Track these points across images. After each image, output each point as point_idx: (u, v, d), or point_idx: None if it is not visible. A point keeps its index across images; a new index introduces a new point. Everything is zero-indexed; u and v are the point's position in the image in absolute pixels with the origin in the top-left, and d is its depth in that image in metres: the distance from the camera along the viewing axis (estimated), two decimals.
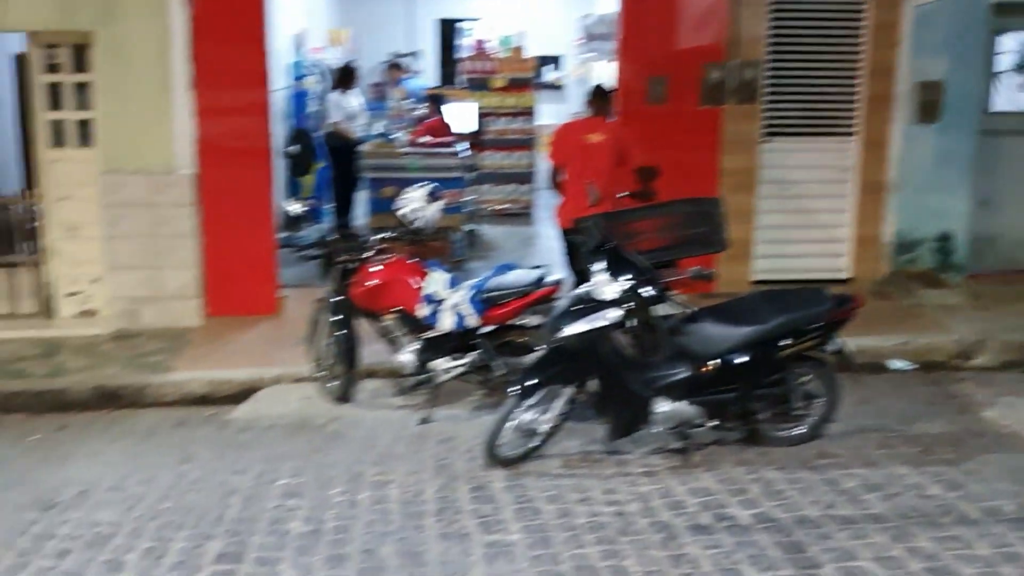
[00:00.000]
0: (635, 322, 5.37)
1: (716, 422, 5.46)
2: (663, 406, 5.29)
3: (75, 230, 7.86)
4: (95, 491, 5.14)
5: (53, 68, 7.69)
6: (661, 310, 5.60)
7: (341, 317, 6.46)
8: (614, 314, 5.17)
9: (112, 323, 7.85)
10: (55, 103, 7.73)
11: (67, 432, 6.11)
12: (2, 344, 7.50)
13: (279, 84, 10.51)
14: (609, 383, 5.32)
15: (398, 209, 6.53)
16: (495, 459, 5.35)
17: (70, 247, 7.90)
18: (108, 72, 7.53)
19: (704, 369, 5.31)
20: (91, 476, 5.35)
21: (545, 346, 5.51)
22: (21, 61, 9.48)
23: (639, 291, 5.18)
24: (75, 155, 7.78)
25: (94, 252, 7.87)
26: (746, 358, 5.34)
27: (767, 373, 5.47)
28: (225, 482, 5.24)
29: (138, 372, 6.88)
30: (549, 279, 6.05)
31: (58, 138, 7.76)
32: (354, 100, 11.31)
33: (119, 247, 7.75)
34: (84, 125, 7.76)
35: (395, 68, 14.67)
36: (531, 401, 5.31)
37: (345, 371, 6.47)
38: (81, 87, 7.70)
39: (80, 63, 7.66)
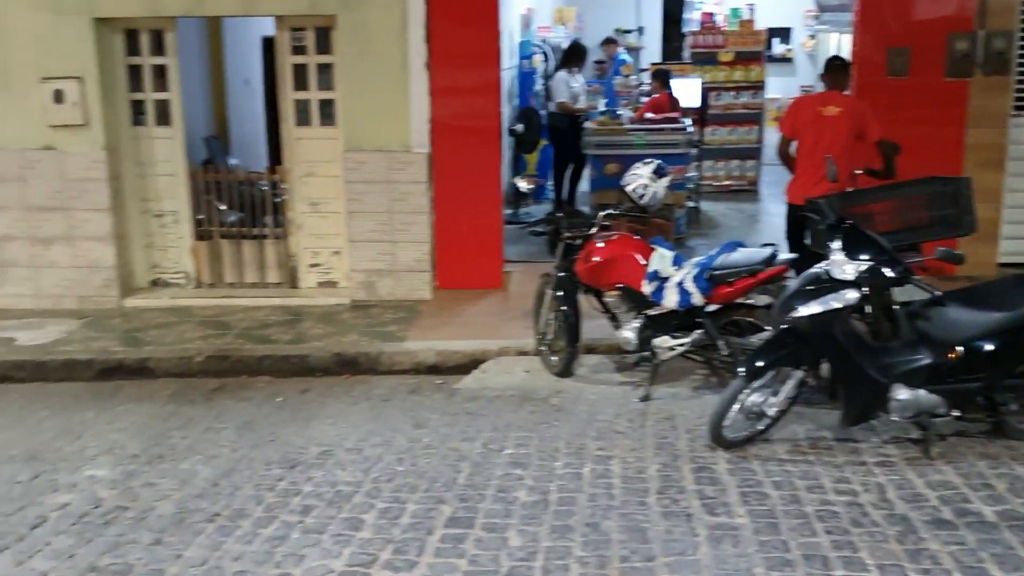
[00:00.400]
0: (872, 305, 5.15)
1: (958, 412, 5.16)
2: (901, 393, 5.03)
3: (317, 205, 8.32)
4: (336, 452, 5.44)
5: (299, 50, 8.13)
6: (902, 294, 5.33)
7: (565, 292, 6.53)
8: (851, 295, 4.98)
9: (350, 293, 8.28)
10: (300, 84, 8.18)
11: (309, 395, 6.48)
12: (251, 311, 8.06)
13: (508, 63, 10.71)
14: (843, 367, 5.12)
15: (625, 185, 6.52)
16: (719, 440, 5.27)
17: (313, 221, 8.37)
18: (349, 54, 7.89)
19: (948, 356, 5.02)
20: (332, 437, 5.66)
21: (775, 327, 5.37)
22: (268, 44, 10.12)
23: (879, 272, 4.96)
24: (319, 133, 8.22)
25: (335, 226, 8.31)
26: (995, 346, 5.01)
27: (1017, 362, 5.11)
28: (455, 449, 5.42)
29: (374, 341, 7.21)
30: (781, 258, 5.88)
31: (303, 117, 8.22)
32: (579, 79, 11.38)
33: (359, 222, 8.14)
34: (327, 105, 8.18)
35: (610, 43, 14.64)
36: (759, 383, 5.20)
37: (567, 346, 6.53)
38: (324, 68, 8.12)
39: (323, 45, 8.07)
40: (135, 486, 5.03)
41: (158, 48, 8.14)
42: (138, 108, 8.27)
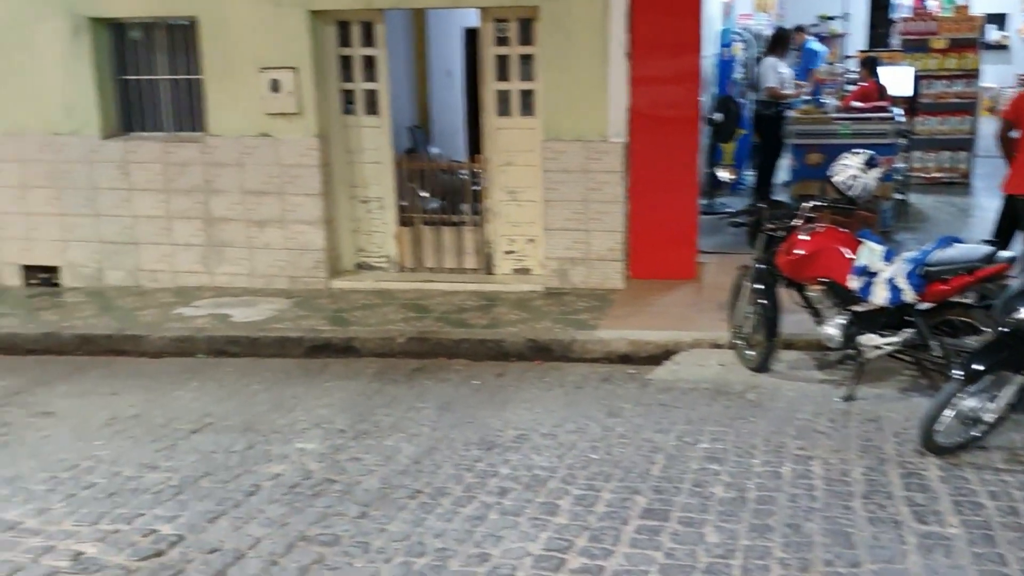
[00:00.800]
0: None
1: None
2: None
3: (515, 194, 8.44)
4: (531, 436, 5.51)
5: (501, 41, 8.25)
6: None
7: (764, 285, 6.38)
8: None
9: (544, 281, 8.37)
10: (502, 74, 8.30)
11: (505, 379, 6.59)
12: (449, 296, 8.27)
13: (709, 52, 10.53)
14: None
15: (832, 176, 6.30)
16: (930, 446, 5.01)
17: (509, 209, 8.50)
18: (550, 44, 7.95)
19: None
20: (527, 422, 5.74)
21: (995, 328, 5.06)
22: (469, 35, 10.34)
23: None
24: (518, 123, 8.33)
25: (530, 215, 8.42)
26: None
27: None
28: (649, 440, 5.39)
29: (567, 328, 7.26)
30: (1002, 255, 5.52)
31: (503, 107, 8.35)
32: (785, 66, 11.08)
33: (554, 211, 8.21)
34: (527, 95, 8.27)
35: (799, 32, 14.19)
36: (975, 387, 4.92)
37: (765, 340, 6.38)
38: (526, 59, 8.21)
39: (525, 36, 8.16)
40: (342, 460, 5.26)
41: (368, 39, 8.44)
42: (348, 97, 8.60)
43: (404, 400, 6.20)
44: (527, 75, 8.23)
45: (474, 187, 8.65)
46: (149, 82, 8.87)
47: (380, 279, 8.66)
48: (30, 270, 9.14)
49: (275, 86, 8.28)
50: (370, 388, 6.47)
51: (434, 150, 9.93)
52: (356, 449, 5.40)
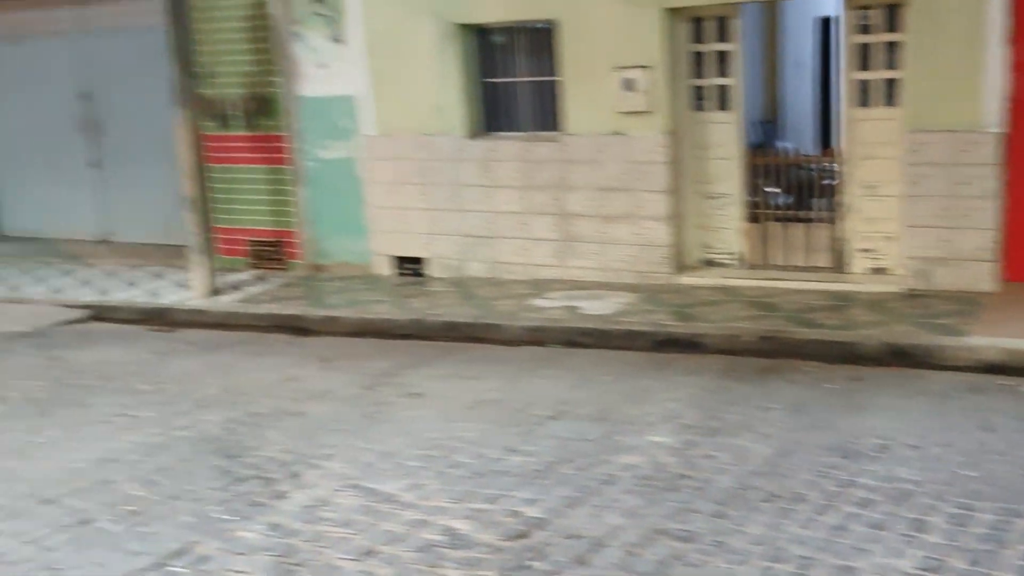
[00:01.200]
0: None
1: None
2: None
3: (873, 188, 8.04)
4: (894, 446, 5.22)
5: (864, 29, 7.88)
6: None
7: None
8: None
9: (903, 282, 7.91)
10: (863, 63, 7.93)
11: (861, 384, 6.30)
12: (797, 294, 8.04)
13: None
14: None
15: None
16: None
17: (867, 205, 8.11)
18: (920, 31, 7.49)
19: None
20: (888, 430, 5.45)
21: None
22: (823, 25, 9.97)
23: None
24: (878, 114, 7.92)
25: (890, 210, 7.99)
26: None
27: None
28: None
29: (929, 333, 6.83)
30: None
31: (863, 98, 7.97)
32: None
33: (917, 206, 7.74)
34: (890, 84, 7.85)
35: None
36: None
37: None
38: (890, 47, 7.79)
39: (892, 23, 7.74)
40: (694, 456, 5.26)
41: (721, 34, 8.36)
42: (698, 93, 8.58)
43: (752, 399, 6.11)
44: (892, 64, 7.80)
45: (825, 181, 8.34)
46: (510, 84, 9.33)
47: (725, 275, 8.58)
48: (400, 261, 9.92)
49: (628, 85, 8.42)
50: (717, 385, 6.43)
51: (783, 144, 9.67)
52: (707, 446, 5.39)
